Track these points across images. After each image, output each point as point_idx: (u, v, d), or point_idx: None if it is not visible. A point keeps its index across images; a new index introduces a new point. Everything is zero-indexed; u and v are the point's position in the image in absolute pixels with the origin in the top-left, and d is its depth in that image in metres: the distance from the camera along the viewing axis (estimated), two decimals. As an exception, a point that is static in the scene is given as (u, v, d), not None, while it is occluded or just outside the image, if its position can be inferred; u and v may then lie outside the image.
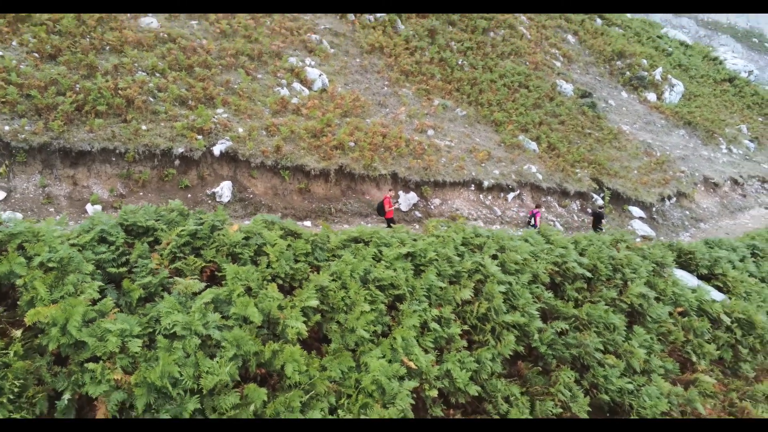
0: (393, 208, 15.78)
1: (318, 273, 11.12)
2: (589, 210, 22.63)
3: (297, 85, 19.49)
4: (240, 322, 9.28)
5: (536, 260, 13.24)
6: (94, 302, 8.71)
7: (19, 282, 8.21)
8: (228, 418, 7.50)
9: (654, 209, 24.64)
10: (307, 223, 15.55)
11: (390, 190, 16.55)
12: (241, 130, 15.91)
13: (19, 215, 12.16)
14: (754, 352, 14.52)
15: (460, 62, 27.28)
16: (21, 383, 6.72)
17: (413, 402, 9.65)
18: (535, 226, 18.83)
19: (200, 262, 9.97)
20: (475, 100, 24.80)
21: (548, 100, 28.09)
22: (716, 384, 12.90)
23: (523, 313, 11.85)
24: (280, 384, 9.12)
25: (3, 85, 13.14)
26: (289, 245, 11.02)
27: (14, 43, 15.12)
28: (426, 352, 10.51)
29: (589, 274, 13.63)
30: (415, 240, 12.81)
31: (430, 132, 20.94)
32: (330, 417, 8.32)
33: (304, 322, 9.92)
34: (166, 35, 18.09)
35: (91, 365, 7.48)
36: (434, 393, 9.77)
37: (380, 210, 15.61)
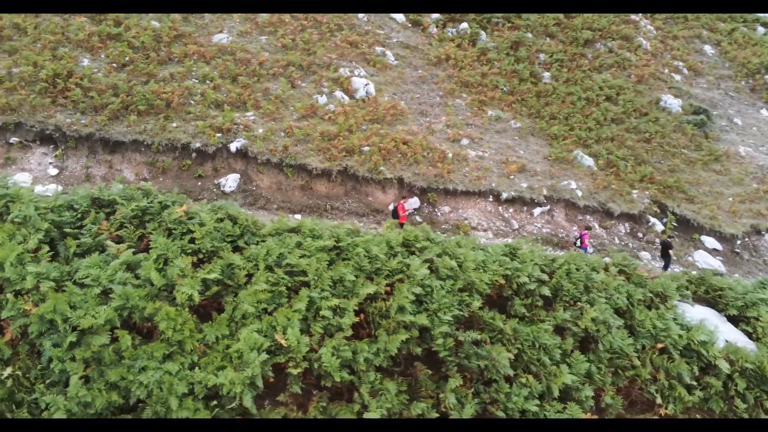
0: (407, 213, 16.72)
1: (240, 253, 12.69)
2: (639, 233, 20.68)
3: (338, 93, 21.24)
4: (147, 284, 11.27)
5: (481, 270, 13.23)
6: (36, 251, 11.33)
7: (-8, 232, 11.04)
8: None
9: (739, 242, 21.49)
10: (298, 216, 17.18)
11: (404, 197, 17.39)
12: (261, 130, 18.16)
13: (60, 188, 15.72)
14: (761, 408, 12.75)
15: (541, 74, 26.59)
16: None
17: (273, 375, 10.78)
18: (583, 248, 18.06)
19: (139, 232, 12.21)
20: (536, 113, 24.14)
21: (638, 116, 25.96)
22: (682, 433, 11.81)
23: (434, 317, 12.11)
24: (159, 338, 10.91)
25: (72, 87, 17.02)
26: (221, 227, 12.72)
27: (102, 55, 19.21)
28: (310, 335, 11.48)
29: (547, 292, 13.19)
30: (354, 236, 13.67)
31: (465, 141, 21.13)
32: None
33: (203, 291, 11.60)
34: (229, 49, 21.16)
35: (9, 296, 10.05)
36: (297, 371, 10.75)
37: (394, 215, 16.70)
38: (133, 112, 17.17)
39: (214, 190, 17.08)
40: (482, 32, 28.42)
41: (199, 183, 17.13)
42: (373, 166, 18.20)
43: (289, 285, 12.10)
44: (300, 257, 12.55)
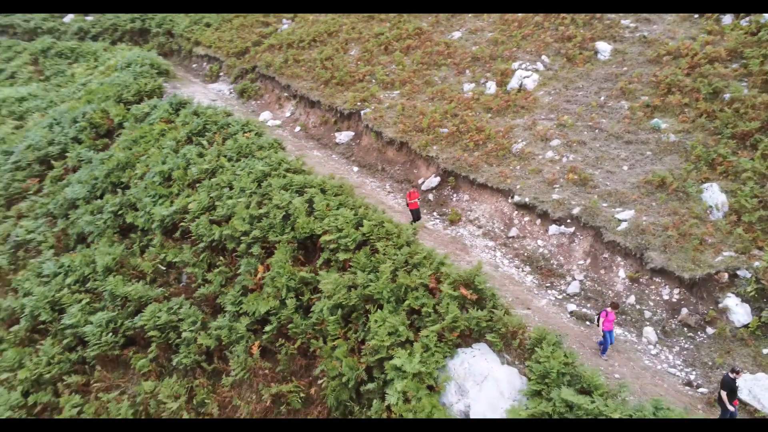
0: (415, 201, 18.63)
1: (229, 165, 20.91)
2: (686, 308, 13.37)
3: (489, 84, 22.58)
4: (182, 156, 21.31)
5: (314, 219, 16.99)
6: (184, 137, 23.34)
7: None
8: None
9: None
10: (356, 168, 21.92)
11: (414, 186, 19.36)
12: (386, 104, 23.20)
13: (279, 122, 26.62)
14: None
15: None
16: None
17: (180, 222, 19.14)
18: (604, 332, 13.16)
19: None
20: (722, 126, 16.99)
21: None
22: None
23: (247, 229, 17.33)
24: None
25: (306, 63, 27.18)
26: (243, 145, 21.19)
27: (353, 51, 28.22)
28: (212, 211, 18.94)
29: (341, 257, 15.87)
30: (294, 174, 19.30)
31: (555, 142, 18.71)
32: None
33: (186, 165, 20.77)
34: (446, 43, 25.85)
35: (151, 149, 22.77)
36: (186, 225, 18.86)
37: (407, 202, 19.13)
38: (330, 84, 25.82)
39: (334, 140, 23.98)
40: (801, 20, 19.98)
41: (333, 134, 24.39)
42: (422, 144, 20.33)
43: (230, 185, 20.12)
44: (246, 173, 20.13)
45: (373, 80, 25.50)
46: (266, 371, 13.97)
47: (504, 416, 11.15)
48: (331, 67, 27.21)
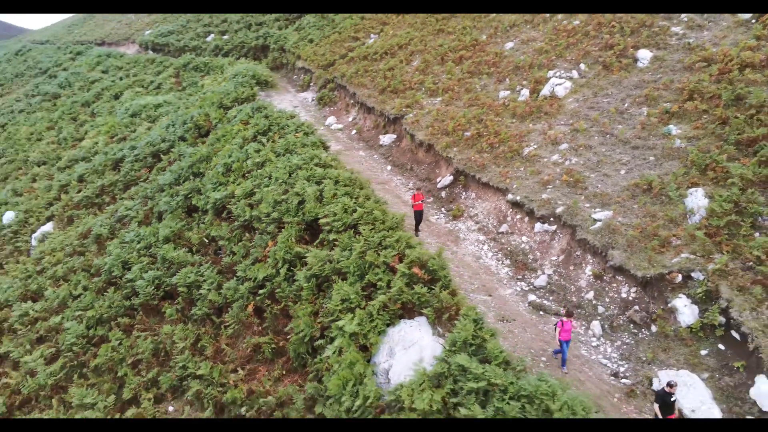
0: (419, 202, 19.64)
1: (275, 159, 24.11)
2: (637, 306, 13.47)
3: (524, 91, 23.39)
4: (244, 153, 25.22)
5: (318, 203, 19.56)
6: (251, 135, 27.21)
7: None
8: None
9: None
10: (388, 167, 23.86)
11: (418, 189, 21.01)
12: (426, 109, 24.96)
13: (341, 126, 29.45)
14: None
15: None
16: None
17: (225, 206, 22.75)
18: (560, 341, 13.08)
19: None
20: (728, 135, 16.40)
21: None
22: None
23: (268, 209, 20.35)
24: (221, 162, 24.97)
25: (372, 74, 29.61)
26: (292, 143, 24.37)
27: (415, 62, 30.18)
28: (252, 196, 22.22)
29: (331, 237, 18.42)
30: (319, 167, 22.00)
31: (563, 146, 19.19)
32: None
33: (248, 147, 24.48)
34: (496, 52, 26.99)
35: (228, 145, 27.15)
36: (230, 207, 22.39)
37: (412, 203, 20.66)
38: (385, 92, 28.10)
39: (379, 142, 26.14)
40: None
41: (379, 136, 26.58)
42: (445, 146, 21.79)
43: (270, 175, 23.42)
44: (284, 165, 23.60)
45: (423, 88, 27.44)
46: (256, 327, 16.63)
47: (412, 375, 12.63)
48: (391, 76, 29.60)
